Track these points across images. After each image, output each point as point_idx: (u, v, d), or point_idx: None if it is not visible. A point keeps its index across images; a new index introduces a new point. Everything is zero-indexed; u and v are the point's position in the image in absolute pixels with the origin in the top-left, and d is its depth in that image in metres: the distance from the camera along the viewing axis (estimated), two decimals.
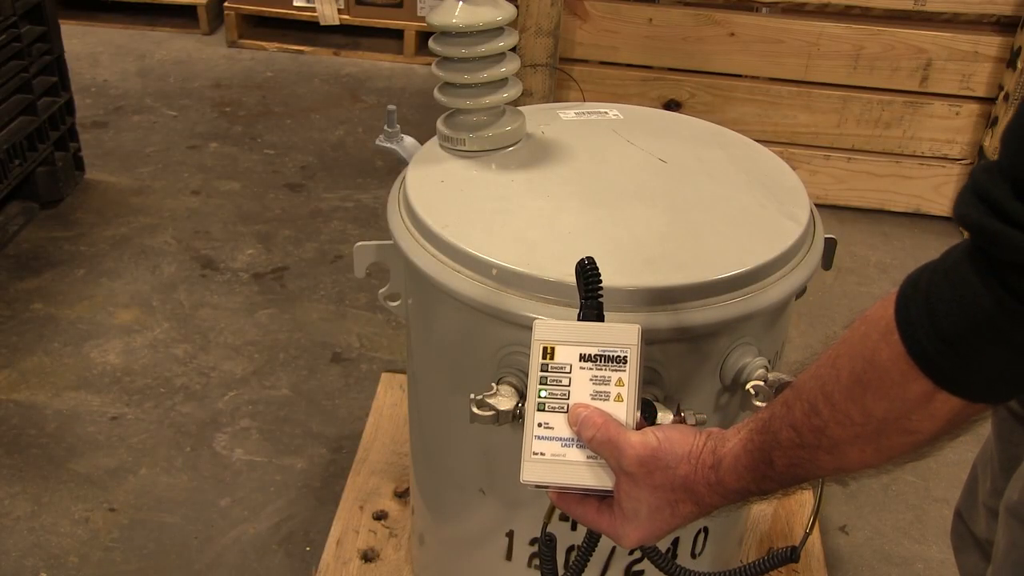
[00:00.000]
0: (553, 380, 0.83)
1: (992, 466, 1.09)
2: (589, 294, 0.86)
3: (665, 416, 0.95)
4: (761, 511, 1.66)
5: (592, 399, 0.82)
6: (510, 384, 1.03)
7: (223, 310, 2.32)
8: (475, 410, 1.01)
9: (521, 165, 1.22)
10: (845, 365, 0.68)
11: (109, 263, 2.47)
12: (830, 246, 1.21)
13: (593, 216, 1.12)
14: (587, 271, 0.86)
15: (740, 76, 2.74)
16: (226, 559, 1.70)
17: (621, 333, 0.83)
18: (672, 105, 2.76)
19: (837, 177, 2.79)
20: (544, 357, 0.84)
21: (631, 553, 1.20)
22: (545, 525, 0.94)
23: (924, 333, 0.62)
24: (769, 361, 1.07)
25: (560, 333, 0.85)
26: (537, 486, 0.84)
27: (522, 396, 1.03)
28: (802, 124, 2.75)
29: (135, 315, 2.29)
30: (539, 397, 0.84)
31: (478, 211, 1.13)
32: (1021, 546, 0.92)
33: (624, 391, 0.82)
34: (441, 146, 1.26)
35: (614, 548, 1.18)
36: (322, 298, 2.38)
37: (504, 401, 1.01)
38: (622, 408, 0.82)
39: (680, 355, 1.05)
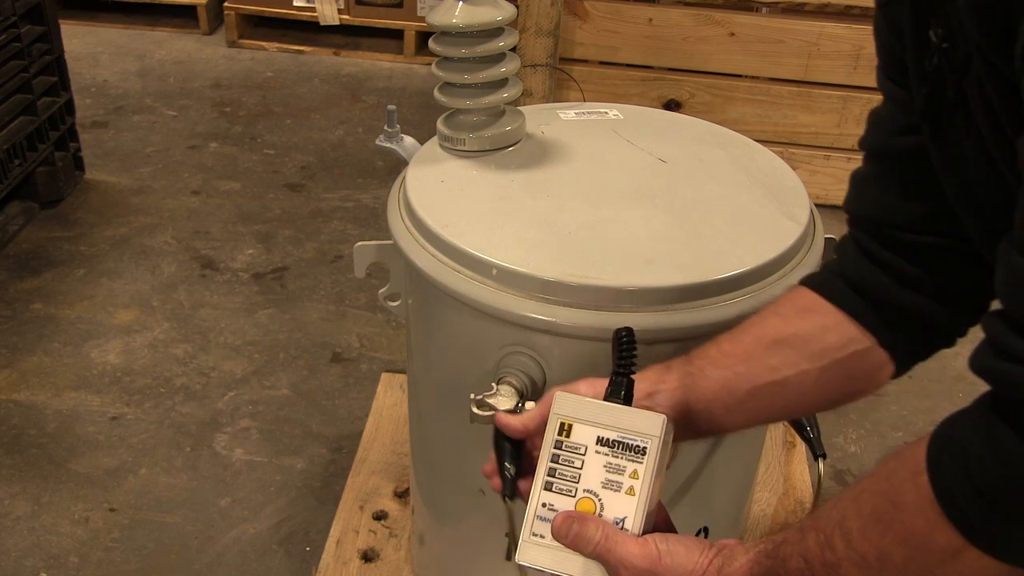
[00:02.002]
0: (565, 460, 0.78)
1: None
2: (620, 369, 0.80)
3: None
4: (761, 511, 1.66)
5: (603, 487, 0.77)
6: (510, 384, 1.03)
7: (223, 310, 2.32)
8: (475, 410, 1.01)
9: (521, 165, 1.22)
10: (867, 501, 0.63)
11: (109, 263, 2.47)
12: (830, 246, 1.21)
13: (593, 216, 1.12)
14: (622, 342, 0.80)
15: (740, 76, 2.74)
16: (226, 559, 1.70)
17: (645, 421, 0.77)
18: (672, 105, 2.76)
19: (837, 177, 2.79)
20: (560, 433, 0.79)
21: None
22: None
23: (956, 481, 0.57)
24: None
25: (581, 410, 0.79)
26: (530, 567, 0.79)
27: (522, 396, 1.03)
28: (802, 124, 2.75)
29: (135, 315, 2.29)
30: (547, 476, 0.78)
31: (478, 211, 1.13)
32: None
33: (638, 484, 0.76)
34: (441, 146, 1.26)
35: None
36: (322, 298, 2.38)
37: (504, 401, 1.01)
38: (632, 504, 0.76)
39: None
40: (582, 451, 0.78)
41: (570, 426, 0.79)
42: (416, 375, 1.29)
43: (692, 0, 2.66)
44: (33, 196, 2.64)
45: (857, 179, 0.84)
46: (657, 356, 1.02)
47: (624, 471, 0.76)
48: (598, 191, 1.17)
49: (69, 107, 2.72)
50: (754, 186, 1.19)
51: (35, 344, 2.18)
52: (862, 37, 2.60)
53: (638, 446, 0.77)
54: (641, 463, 0.76)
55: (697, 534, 1.23)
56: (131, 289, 2.38)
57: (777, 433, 1.80)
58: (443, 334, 1.16)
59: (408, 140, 1.36)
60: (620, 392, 0.80)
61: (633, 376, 0.80)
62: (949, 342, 0.83)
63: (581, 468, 0.78)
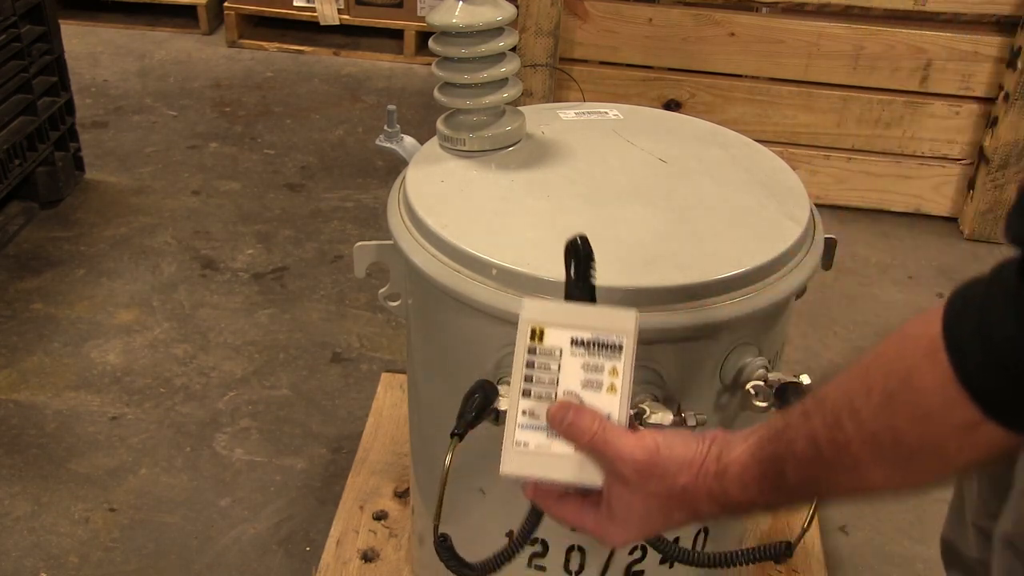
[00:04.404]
0: (541, 365, 0.76)
1: (980, 484, 1.04)
2: (583, 273, 0.79)
3: (664, 416, 0.94)
4: None
5: (583, 388, 0.75)
6: (510, 384, 1.03)
7: (223, 310, 2.32)
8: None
9: (521, 165, 1.22)
10: (878, 382, 0.62)
11: (109, 263, 2.47)
12: (830, 246, 1.21)
13: (593, 216, 1.12)
14: (579, 250, 0.79)
15: (740, 76, 2.74)
16: (226, 559, 1.70)
17: (617, 318, 0.76)
18: (672, 105, 2.76)
19: (837, 177, 2.79)
20: (532, 339, 0.77)
21: (631, 553, 1.20)
22: (436, 528, 0.90)
23: (976, 356, 0.56)
24: (769, 361, 1.07)
25: (551, 314, 0.78)
26: (518, 478, 0.78)
27: None
28: (802, 124, 2.75)
29: (135, 315, 2.29)
30: (524, 383, 0.77)
31: (478, 211, 1.13)
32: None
33: (618, 381, 0.75)
34: (441, 146, 1.26)
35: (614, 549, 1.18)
36: (322, 298, 2.38)
37: (504, 401, 1.01)
38: (615, 400, 0.75)
39: (680, 355, 1.05)
40: (557, 354, 0.76)
41: (542, 331, 0.77)
42: (416, 375, 1.29)
43: (692, 0, 2.66)
44: (33, 196, 2.63)
45: None
46: (657, 356, 1.02)
47: (603, 369, 0.75)
48: (598, 191, 1.17)
49: (69, 107, 2.72)
50: (754, 186, 1.19)
51: (35, 344, 2.18)
52: (862, 37, 2.61)
53: (614, 343, 0.75)
54: (619, 360, 0.75)
55: (697, 534, 1.23)
56: (131, 289, 2.38)
57: None
58: (443, 334, 1.16)
59: (408, 140, 1.36)
60: (586, 296, 0.79)
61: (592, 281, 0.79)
62: None
63: (558, 371, 0.76)
